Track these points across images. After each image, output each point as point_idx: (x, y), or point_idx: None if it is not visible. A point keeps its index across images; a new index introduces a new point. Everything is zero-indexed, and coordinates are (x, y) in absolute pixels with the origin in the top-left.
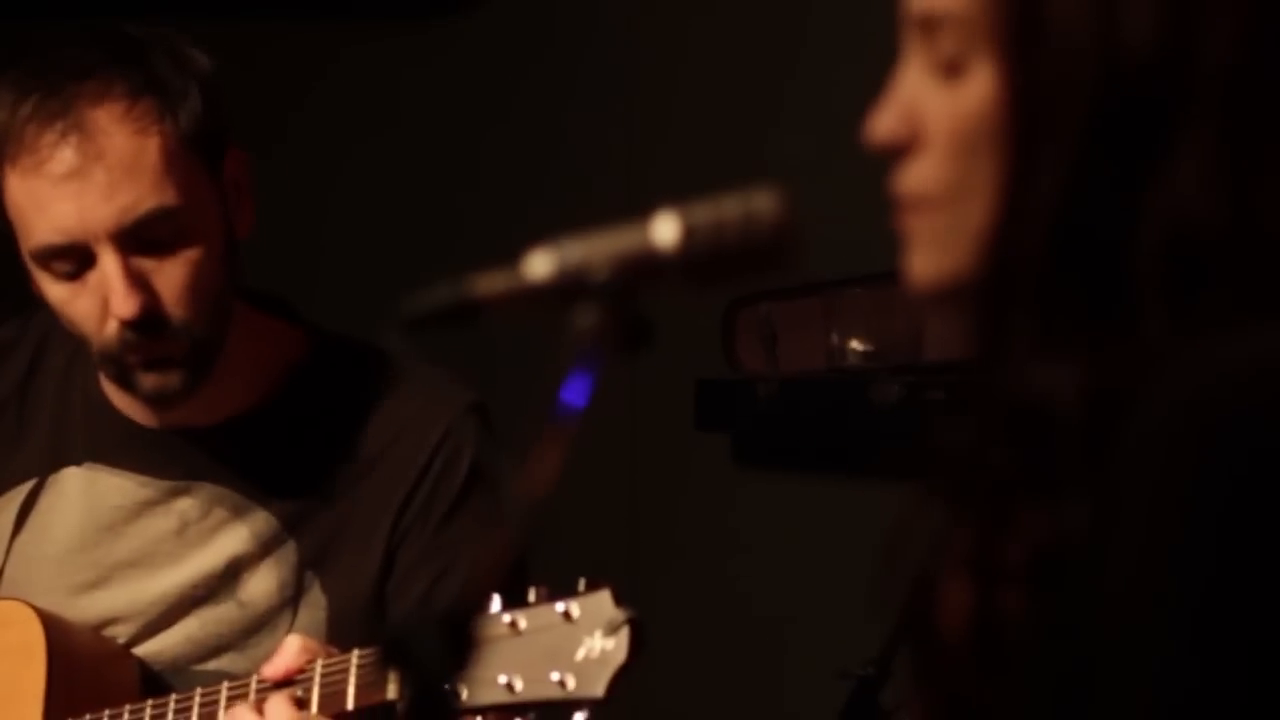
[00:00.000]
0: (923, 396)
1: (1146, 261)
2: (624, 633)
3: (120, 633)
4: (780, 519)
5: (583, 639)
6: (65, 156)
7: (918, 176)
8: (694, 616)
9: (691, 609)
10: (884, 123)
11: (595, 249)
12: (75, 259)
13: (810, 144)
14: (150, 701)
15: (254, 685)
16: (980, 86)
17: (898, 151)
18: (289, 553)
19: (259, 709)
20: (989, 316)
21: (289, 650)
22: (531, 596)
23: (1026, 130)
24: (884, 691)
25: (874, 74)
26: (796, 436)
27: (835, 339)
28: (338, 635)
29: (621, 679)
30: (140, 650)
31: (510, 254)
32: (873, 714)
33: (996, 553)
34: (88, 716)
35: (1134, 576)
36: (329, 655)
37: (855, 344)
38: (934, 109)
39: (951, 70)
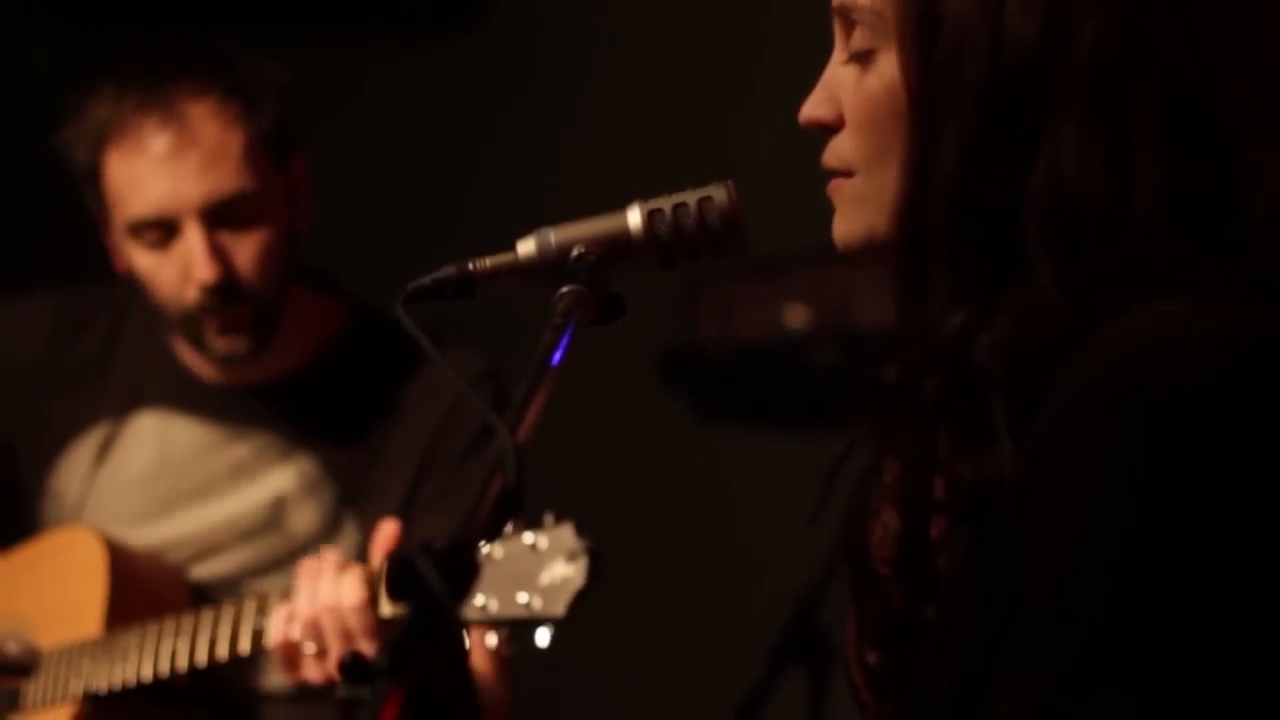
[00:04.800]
0: (857, 360)
1: (1034, 225)
2: (583, 560)
3: (181, 555)
4: (733, 466)
5: (547, 565)
6: (164, 140)
7: (837, 150)
8: (660, 548)
9: (658, 543)
10: (812, 106)
11: (575, 234)
12: (163, 231)
13: (765, 144)
14: (190, 613)
15: (274, 602)
16: (886, 72)
17: (825, 130)
18: (328, 492)
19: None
20: (906, 273)
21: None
22: (506, 528)
23: (927, 111)
24: (820, 611)
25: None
26: (748, 395)
27: (782, 310)
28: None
29: (581, 601)
30: (198, 571)
31: (508, 240)
32: (810, 632)
33: (922, 486)
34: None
35: (1061, 515)
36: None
37: (799, 314)
38: (849, 92)
39: (863, 58)
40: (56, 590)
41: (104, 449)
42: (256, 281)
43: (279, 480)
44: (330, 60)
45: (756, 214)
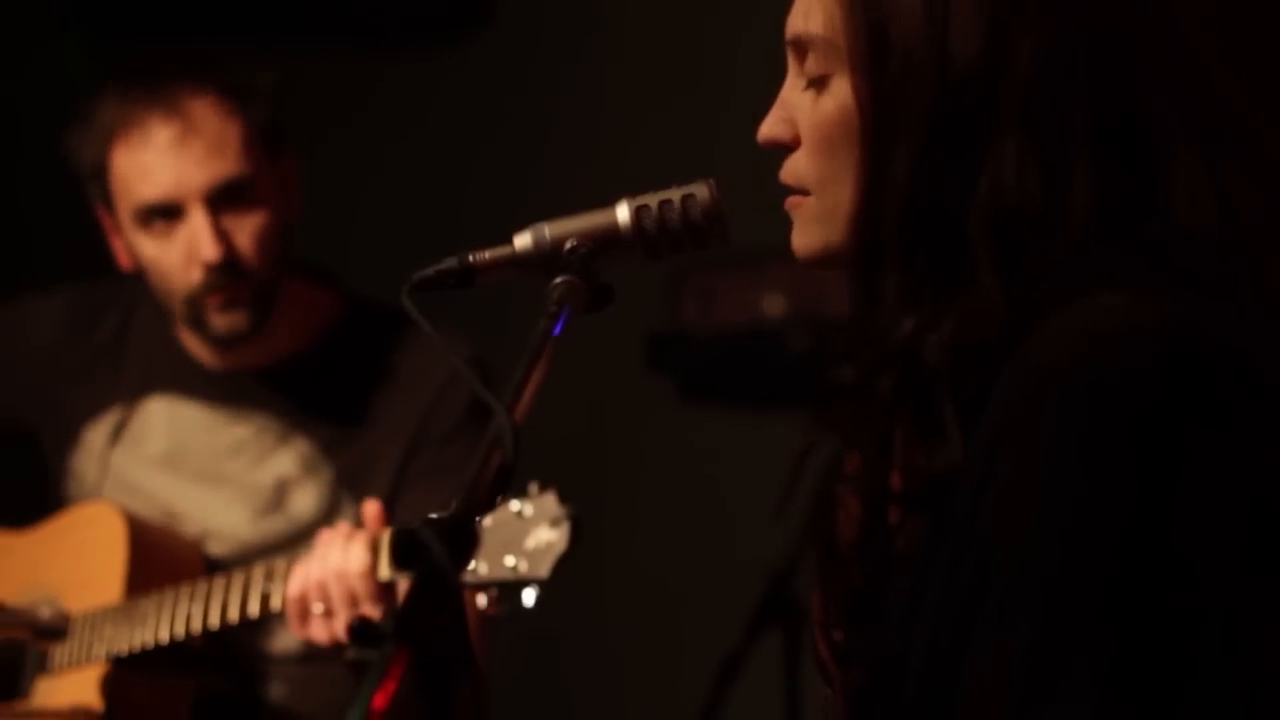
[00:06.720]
0: (829, 346)
1: (978, 233)
2: (565, 526)
3: (189, 535)
4: (714, 444)
5: (532, 531)
6: (169, 131)
7: (793, 168)
8: (646, 521)
9: (645, 515)
10: (769, 126)
11: (568, 229)
12: (169, 215)
13: (746, 145)
14: (203, 580)
15: (281, 570)
16: (839, 96)
17: (781, 148)
18: (327, 474)
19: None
20: (860, 279)
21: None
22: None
23: (878, 130)
24: (794, 578)
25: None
26: (728, 379)
27: (761, 300)
28: None
29: (563, 563)
30: (206, 551)
31: (505, 235)
32: (785, 597)
33: (880, 478)
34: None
35: (1019, 494)
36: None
37: (776, 303)
38: (804, 115)
39: (817, 83)
40: (80, 561)
41: (117, 432)
42: (256, 260)
43: (280, 464)
44: (337, 66)
45: (737, 209)
